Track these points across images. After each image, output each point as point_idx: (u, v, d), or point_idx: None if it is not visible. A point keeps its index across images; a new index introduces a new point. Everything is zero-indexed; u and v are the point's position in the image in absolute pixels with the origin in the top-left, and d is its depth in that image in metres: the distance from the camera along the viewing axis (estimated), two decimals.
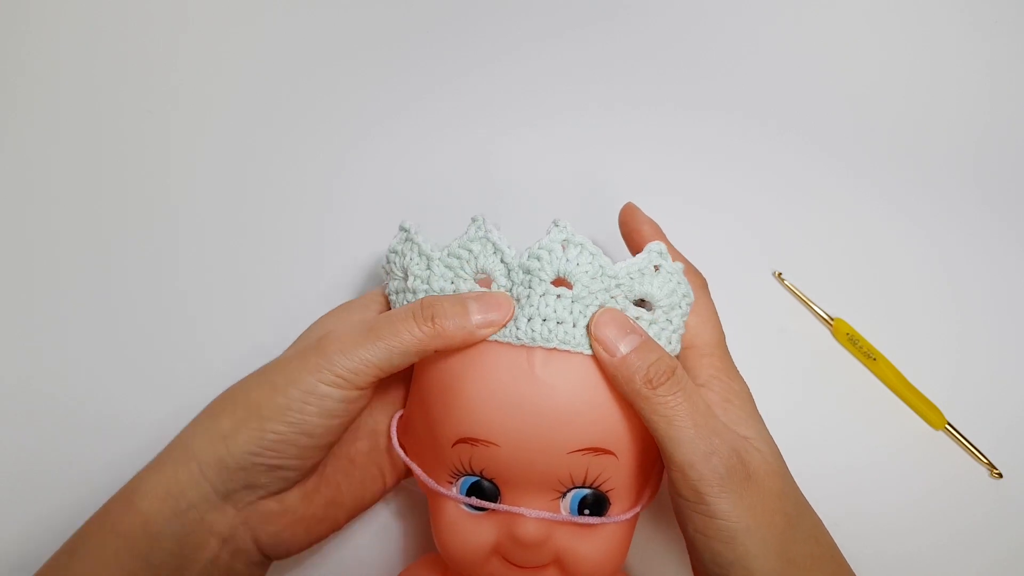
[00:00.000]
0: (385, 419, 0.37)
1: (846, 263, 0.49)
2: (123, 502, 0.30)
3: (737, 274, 0.47)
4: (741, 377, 0.33)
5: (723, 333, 0.34)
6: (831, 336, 0.47)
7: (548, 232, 0.31)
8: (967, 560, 0.42)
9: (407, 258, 0.34)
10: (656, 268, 0.32)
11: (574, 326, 0.30)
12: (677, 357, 0.34)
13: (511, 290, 0.32)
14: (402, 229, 0.35)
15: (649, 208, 0.50)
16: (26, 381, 0.43)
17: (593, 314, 0.31)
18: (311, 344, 0.31)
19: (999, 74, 0.56)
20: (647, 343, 0.30)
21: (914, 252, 0.50)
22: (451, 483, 0.32)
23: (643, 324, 0.32)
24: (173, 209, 0.49)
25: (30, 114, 0.51)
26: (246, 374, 0.33)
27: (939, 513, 0.43)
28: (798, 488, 0.31)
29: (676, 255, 0.36)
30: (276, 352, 0.35)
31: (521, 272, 0.31)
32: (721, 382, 0.32)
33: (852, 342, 0.46)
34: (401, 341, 0.30)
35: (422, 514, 0.41)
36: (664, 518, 0.41)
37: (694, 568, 0.31)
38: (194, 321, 0.45)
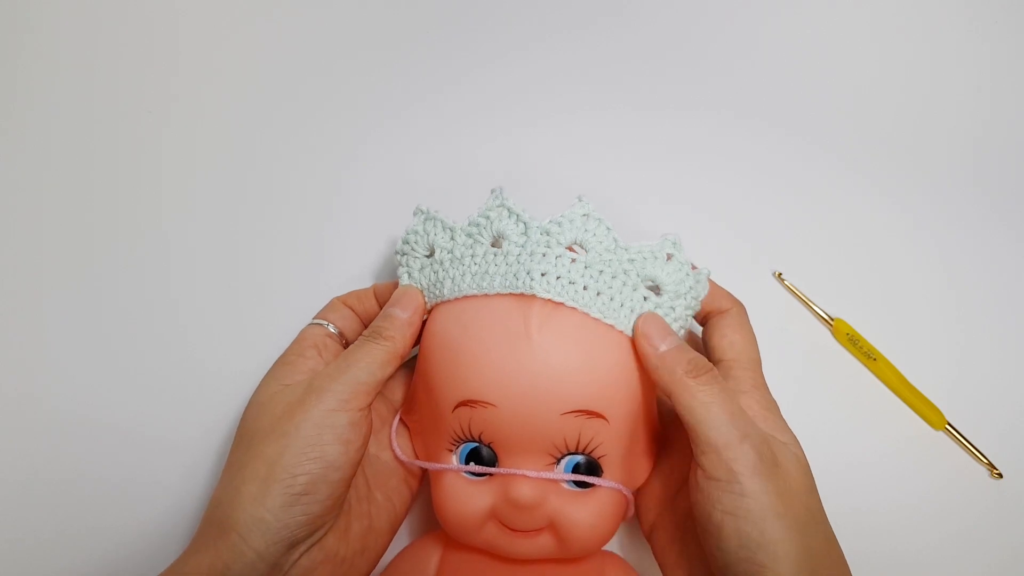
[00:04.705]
0: (381, 429, 0.38)
1: (846, 263, 0.49)
2: None
3: (737, 274, 0.47)
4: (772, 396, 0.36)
5: (760, 356, 0.37)
6: (831, 336, 0.47)
7: (572, 205, 0.34)
8: (967, 560, 0.42)
9: (432, 235, 0.36)
10: (668, 257, 0.35)
11: (584, 288, 0.33)
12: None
13: (524, 246, 0.34)
14: (419, 211, 0.37)
15: (650, 209, 0.50)
16: (21, 386, 0.43)
17: (639, 316, 0.33)
18: (301, 393, 0.33)
19: (999, 73, 0.56)
20: (685, 345, 0.33)
21: (914, 252, 0.50)
22: (451, 451, 0.34)
23: (649, 306, 0.34)
24: (172, 209, 0.49)
25: (28, 115, 0.51)
26: (244, 376, 0.34)
27: (939, 513, 0.43)
28: (821, 503, 0.32)
29: (717, 287, 0.39)
30: (275, 354, 0.36)
31: (539, 233, 0.34)
32: (761, 393, 0.35)
33: (852, 342, 0.46)
34: (374, 358, 0.34)
35: (424, 495, 0.41)
36: None
37: (713, 558, 0.31)
38: (193, 324, 0.45)
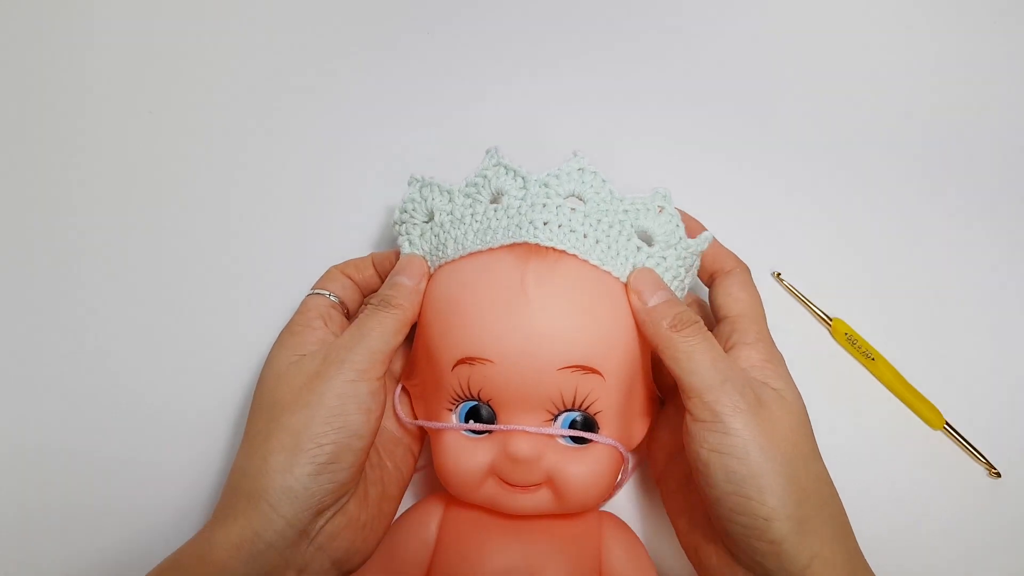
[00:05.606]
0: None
1: (845, 263, 0.49)
2: (196, 558, 0.30)
3: None
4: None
5: (764, 312, 0.38)
6: (830, 336, 0.47)
7: (567, 160, 0.35)
8: (966, 560, 0.42)
9: (430, 200, 0.37)
10: (660, 209, 0.36)
11: (584, 237, 0.34)
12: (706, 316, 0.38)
13: (525, 199, 0.35)
14: (415, 180, 0.38)
15: None
16: (23, 384, 0.43)
17: (633, 270, 0.35)
18: (318, 364, 0.34)
19: (999, 73, 0.56)
20: (674, 299, 0.34)
21: (913, 252, 0.50)
22: (451, 410, 0.35)
23: (642, 256, 0.35)
24: (169, 191, 0.49)
25: (28, 115, 0.51)
26: (249, 351, 0.35)
27: (938, 513, 0.43)
28: (815, 444, 0.33)
29: (723, 249, 0.40)
30: (276, 330, 0.37)
31: (538, 186, 0.35)
32: (764, 345, 0.36)
33: (851, 342, 0.46)
34: (386, 327, 0.35)
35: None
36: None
37: (705, 495, 0.32)
38: (195, 305, 0.46)
